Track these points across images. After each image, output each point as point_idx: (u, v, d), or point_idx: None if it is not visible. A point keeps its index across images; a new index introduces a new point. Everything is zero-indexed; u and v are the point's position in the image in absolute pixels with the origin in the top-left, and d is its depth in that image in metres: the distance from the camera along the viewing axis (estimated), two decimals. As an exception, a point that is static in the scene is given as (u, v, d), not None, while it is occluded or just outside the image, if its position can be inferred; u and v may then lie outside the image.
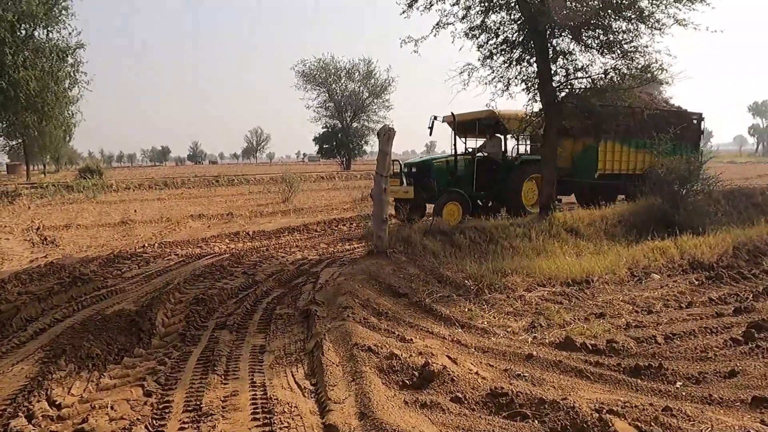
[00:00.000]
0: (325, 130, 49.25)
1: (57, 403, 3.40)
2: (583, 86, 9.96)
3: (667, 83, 10.53)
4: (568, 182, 13.11)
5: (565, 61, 9.69)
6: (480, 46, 10.05)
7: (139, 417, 3.27)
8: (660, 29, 9.31)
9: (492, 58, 9.84)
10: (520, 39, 9.58)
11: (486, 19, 9.60)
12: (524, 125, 11.48)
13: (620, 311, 5.79)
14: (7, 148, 39.40)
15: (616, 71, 9.74)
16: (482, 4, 9.46)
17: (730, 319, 5.48)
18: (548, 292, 6.41)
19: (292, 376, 3.84)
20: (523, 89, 10.03)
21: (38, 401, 3.40)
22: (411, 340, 4.44)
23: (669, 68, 10.63)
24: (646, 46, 9.32)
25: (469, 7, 9.52)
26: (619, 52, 9.24)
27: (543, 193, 10.26)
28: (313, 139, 49.79)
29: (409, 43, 9.80)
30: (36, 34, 18.11)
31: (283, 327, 5.01)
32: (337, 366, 3.77)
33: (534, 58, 9.66)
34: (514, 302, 5.98)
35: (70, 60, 19.76)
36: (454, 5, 9.64)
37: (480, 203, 12.60)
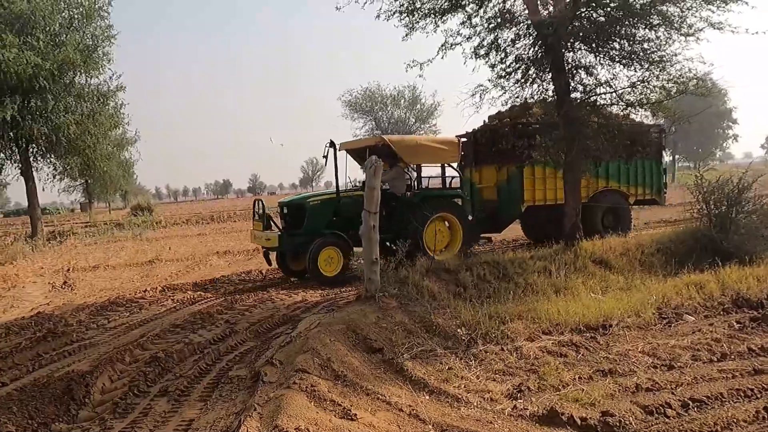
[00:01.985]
0: (373, 158, 49.03)
1: None
2: (607, 102, 9.04)
3: (702, 95, 9.41)
4: (495, 218, 11.56)
5: (585, 76, 8.84)
6: (492, 66, 9.36)
7: None
8: (692, 34, 8.37)
9: (505, 78, 9.10)
10: (533, 56, 8.83)
11: (496, 38, 8.91)
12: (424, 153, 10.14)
13: (634, 366, 4.88)
14: (71, 189, 41.56)
15: (644, 84, 8.80)
16: (489, 22, 8.79)
17: (769, 378, 4.49)
18: (553, 341, 5.55)
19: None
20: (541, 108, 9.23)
21: None
22: (355, 415, 3.75)
23: (706, 77, 9.53)
24: (675, 54, 8.38)
25: (476, 26, 8.88)
26: (644, 63, 8.32)
27: (567, 221, 9.33)
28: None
29: (414, 67, 9.24)
30: (76, 80, 18.74)
31: (228, 394, 4.43)
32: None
33: (550, 75, 8.86)
34: (508, 356, 5.17)
35: (111, 103, 20.40)
36: (461, 24, 9.05)
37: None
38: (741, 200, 9.29)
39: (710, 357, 5.06)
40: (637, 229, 13.38)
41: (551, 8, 8.61)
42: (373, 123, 47.83)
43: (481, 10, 8.96)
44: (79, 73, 18.81)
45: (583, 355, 5.25)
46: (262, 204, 10.28)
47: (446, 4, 8.60)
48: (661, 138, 12.56)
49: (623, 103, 8.94)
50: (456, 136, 11.56)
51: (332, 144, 9.85)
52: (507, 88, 9.02)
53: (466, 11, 8.72)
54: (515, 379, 4.65)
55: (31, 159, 19.05)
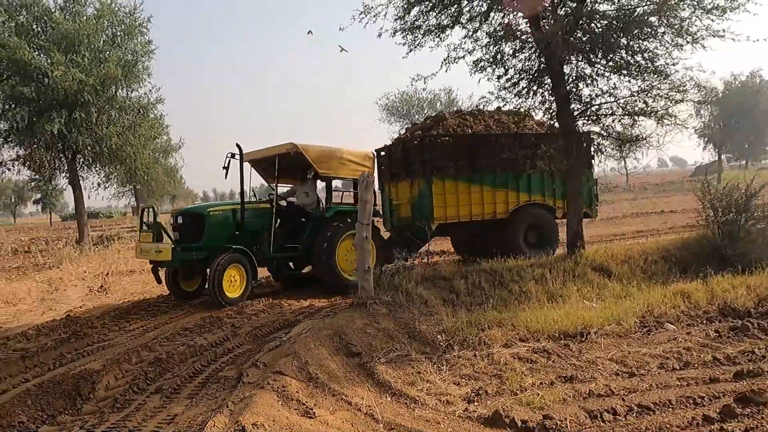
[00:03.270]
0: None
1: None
2: (610, 112, 9.15)
3: (702, 102, 9.39)
4: (412, 235, 10.28)
5: (586, 86, 9.01)
6: (499, 77, 9.62)
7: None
8: (696, 43, 8.45)
9: (508, 90, 9.36)
10: (533, 68, 9.05)
11: (497, 51, 9.17)
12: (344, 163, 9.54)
13: (598, 373, 5.12)
14: (120, 194, 43.59)
15: (646, 93, 8.90)
16: (490, 36, 9.06)
17: (724, 387, 4.66)
18: (527, 348, 5.82)
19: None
20: (542, 118, 9.43)
21: None
22: (315, 414, 4.17)
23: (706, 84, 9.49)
24: (674, 63, 8.46)
25: (478, 39, 9.16)
26: (645, 73, 8.44)
27: (569, 229, 9.48)
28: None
29: (418, 81, 9.60)
30: (118, 93, 19.87)
31: (214, 393, 4.93)
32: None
33: (550, 87, 9.07)
34: (479, 362, 5.48)
35: (151, 114, 21.51)
36: (465, 38, 9.34)
37: (289, 267, 10.06)
38: (749, 207, 9.24)
39: (676, 365, 5.25)
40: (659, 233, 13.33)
41: (551, 21, 8.80)
42: (410, 126, 48.04)
43: (484, 25, 9.23)
44: (120, 87, 19.89)
45: (552, 361, 5.51)
46: (154, 212, 9.15)
47: (447, 20, 8.91)
48: (589, 147, 11.09)
49: (626, 113, 9.03)
50: (375, 150, 11.26)
51: (233, 156, 9.00)
52: (509, 100, 9.26)
53: (466, 27, 9.01)
54: (477, 383, 4.97)
55: (78, 168, 20.28)
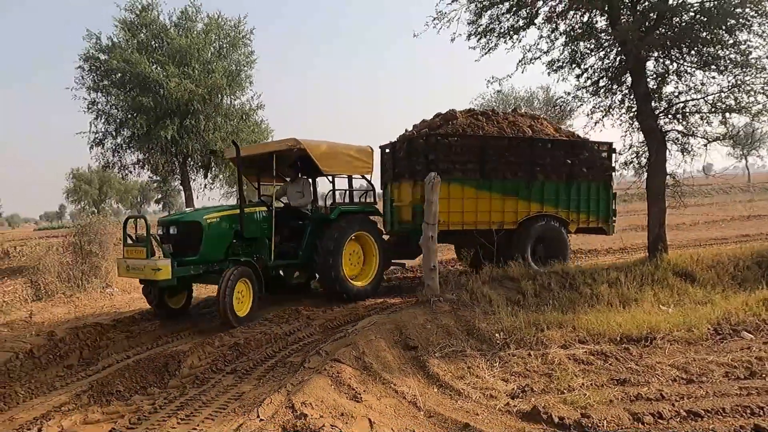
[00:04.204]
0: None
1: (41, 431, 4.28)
2: (696, 109, 8.73)
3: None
4: (409, 241, 9.27)
5: (668, 83, 8.66)
6: (578, 77, 9.49)
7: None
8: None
9: (586, 90, 9.21)
10: (612, 66, 8.84)
11: (573, 51, 9.05)
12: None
13: (655, 378, 5.05)
14: (229, 195, 46.84)
15: (738, 88, 8.40)
16: (567, 35, 8.95)
17: (788, 398, 4.45)
18: (585, 350, 5.80)
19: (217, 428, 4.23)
20: (620, 116, 9.16)
21: (27, 431, 4.32)
22: (361, 398, 4.52)
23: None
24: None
25: (554, 41, 9.09)
26: (726, 68, 7.99)
27: (650, 232, 9.13)
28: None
29: (493, 83, 9.67)
30: (223, 101, 21.46)
31: (279, 376, 5.42)
32: (259, 420, 4.07)
33: (629, 85, 8.81)
34: (532, 361, 5.56)
35: (252, 120, 23.01)
36: (540, 39, 9.30)
37: (282, 276, 9.00)
38: None
39: (741, 375, 5.04)
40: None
41: (631, 17, 8.56)
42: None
43: (561, 25, 9.14)
44: (225, 96, 21.45)
45: (609, 364, 5.47)
46: (146, 223, 7.70)
47: (521, 22, 8.92)
48: (610, 157, 10.46)
49: (714, 110, 8.58)
50: (379, 147, 10.52)
51: (236, 149, 8.24)
52: (586, 100, 9.11)
53: (540, 29, 8.98)
54: (525, 380, 5.08)
55: (189, 171, 22.14)
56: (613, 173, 10.34)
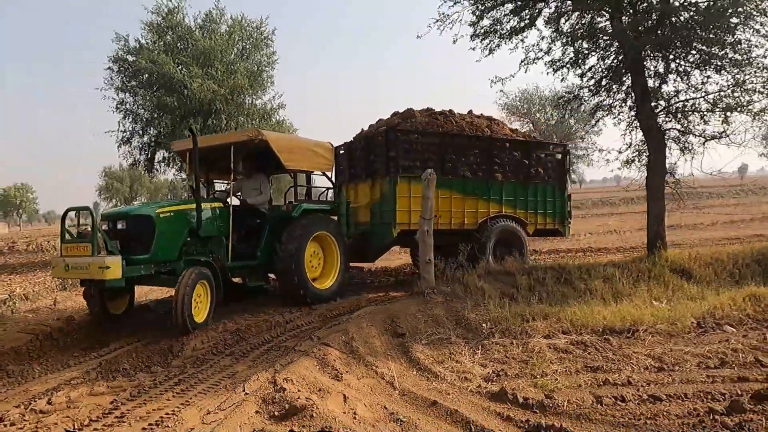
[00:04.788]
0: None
1: (51, 402, 4.72)
2: (695, 108, 8.82)
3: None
4: (366, 244, 9.26)
5: (667, 82, 8.77)
6: (581, 76, 9.65)
7: (87, 419, 4.38)
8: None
9: (586, 89, 9.37)
10: (612, 65, 8.99)
11: (576, 51, 9.22)
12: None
13: (628, 366, 5.25)
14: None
15: (738, 86, 8.47)
16: (568, 35, 9.13)
17: (750, 386, 4.63)
18: (567, 340, 6.02)
19: (207, 401, 4.60)
20: (620, 114, 9.30)
21: (39, 400, 4.77)
22: (342, 378, 4.85)
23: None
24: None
25: (555, 40, 9.27)
26: (723, 67, 8.08)
27: (649, 230, 9.24)
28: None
29: (497, 83, 9.89)
30: (245, 101, 22.02)
31: (272, 358, 5.77)
32: (243, 394, 4.43)
33: (630, 83, 8.95)
34: (513, 348, 5.81)
35: (273, 119, 23.54)
36: (541, 39, 9.49)
37: (238, 280, 8.10)
38: None
39: (712, 364, 5.21)
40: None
41: (630, 17, 8.71)
42: (531, 126, 47.16)
43: (565, 25, 9.31)
44: (247, 95, 22.00)
45: (588, 353, 5.69)
46: (92, 215, 6.36)
47: (522, 23, 9.12)
48: (564, 160, 10.46)
49: (713, 109, 8.67)
50: (335, 147, 9.74)
51: (193, 136, 7.27)
52: (586, 99, 9.27)
53: (540, 29, 9.18)
54: (502, 366, 5.34)
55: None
56: (567, 175, 10.35)
